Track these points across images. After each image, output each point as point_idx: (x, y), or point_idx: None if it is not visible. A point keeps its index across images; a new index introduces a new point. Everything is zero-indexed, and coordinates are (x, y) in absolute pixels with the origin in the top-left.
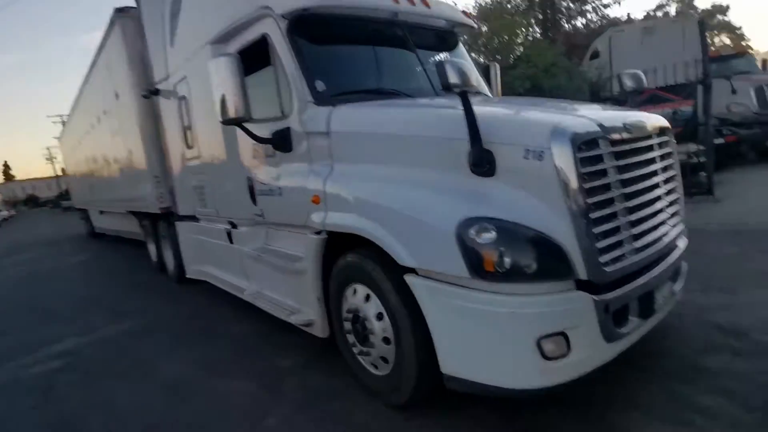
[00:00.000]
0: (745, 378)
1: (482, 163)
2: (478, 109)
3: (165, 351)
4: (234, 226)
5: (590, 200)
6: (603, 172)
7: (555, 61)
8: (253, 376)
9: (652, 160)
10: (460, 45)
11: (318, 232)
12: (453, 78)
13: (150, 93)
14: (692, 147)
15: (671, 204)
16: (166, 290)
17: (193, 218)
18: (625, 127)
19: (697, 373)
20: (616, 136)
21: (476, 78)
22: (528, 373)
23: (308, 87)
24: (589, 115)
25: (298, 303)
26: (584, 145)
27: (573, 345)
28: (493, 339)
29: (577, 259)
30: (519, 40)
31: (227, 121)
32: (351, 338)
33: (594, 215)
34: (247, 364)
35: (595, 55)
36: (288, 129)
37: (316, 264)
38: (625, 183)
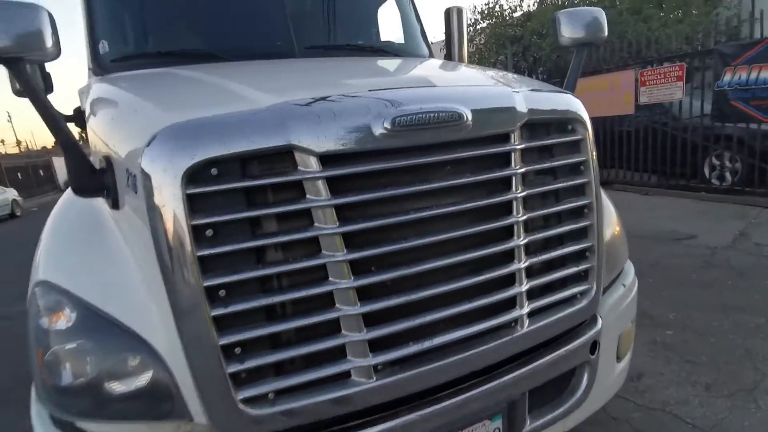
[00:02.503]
0: None
1: (82, 184)
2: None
3: None
4: None
5: (218, 280)
6: (290, 218)
7: None
8: None
9: (495, 184)
10: None
11: None
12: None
13: None
14: None
15: (548, 266)
16: None
17: None
18: (390, 125)
19: None
20: (336, 145)
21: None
22: None
23: (90, 48)
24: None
25: None
26: (221, 166)
27: None
28: None
29: (188, 389)
30: None
31: (18, 93)
32: None
33: (222, 311)
34: None
35: None
36: None
37: None
38: (359, 238)
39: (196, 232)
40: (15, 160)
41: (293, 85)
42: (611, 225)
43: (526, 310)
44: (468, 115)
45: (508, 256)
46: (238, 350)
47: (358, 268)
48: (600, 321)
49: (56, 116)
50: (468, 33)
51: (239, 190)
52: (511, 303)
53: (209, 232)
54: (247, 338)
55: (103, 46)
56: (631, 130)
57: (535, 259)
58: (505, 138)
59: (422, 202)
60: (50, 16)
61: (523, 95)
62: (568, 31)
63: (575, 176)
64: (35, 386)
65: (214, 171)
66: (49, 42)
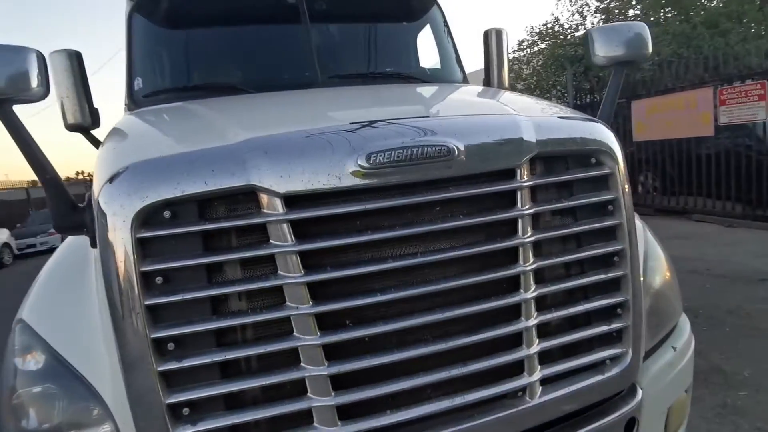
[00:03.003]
0: None
1: (61, 221)
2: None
3: None
4: None
5: (166, 332)
6: (251, 265)
7: (726, 11)
8: None
9: (497, 228)
10: (435, 10)
11: None
12: None
13: None
14: None
15: (568, 324)
16: None
17: None
18: (365, 162)
19: None
20: (302, 185)
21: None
22: None
23: (127, 86)
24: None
25: None
26: (175, 208)
27: None
28: None
29: None
30: None
31: (69, 127)
32: None
33: (170, 366)
34: None
35: None
36: None
37: None
38: (329, 289)
39: (146, 278)
40: None
41: (279, 119)
42: (659, 273)
43: (536, 376)
44: (459, 150)
45: (513, 312)
46: (186, 411)
47: (328, 322)
48: (640, 393)
49: (38, 154)
50: (525, 55)
51: (195, 235)
52: (517, 367)
53: (159, 280)
54: (198, 398)
55: (138, 83)
56: (711, 154)
57: (549, 316)
58: (508, 174)
59: (405, 248)
60: (40, 57)
61: (533, 124)
62: (603, 50)
63: (602, 217)
64: (2, 425)
65: (167, 214)
66: (34, 83)
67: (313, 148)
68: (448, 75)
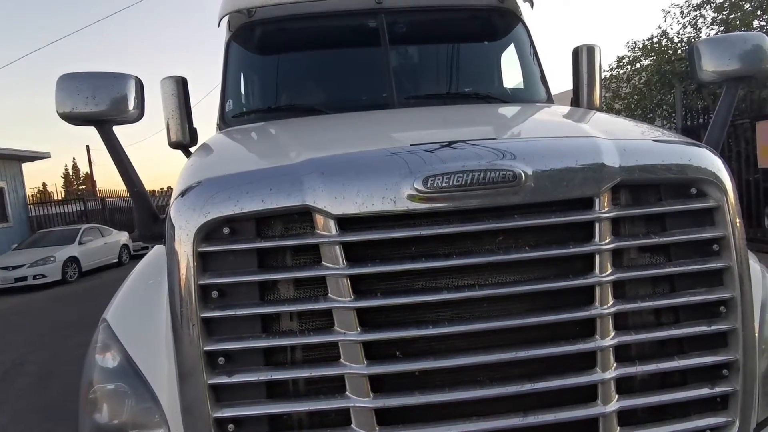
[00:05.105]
0: None
1: (144, 231)
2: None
3: None
4: None
5: (218, 345)
6: (302, 286)
7: None
8: None
9: (570, 263)
10: (519, 28)
11: None
12: (61, 106)
13: None
14: None
15: (657, 382)
16: None
17: None
18: (422, 186)
19: None
20: (355, 207)
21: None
22: None
23: (220, 107)
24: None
25: None
26: (234, 225)
27: None
28: None
29: None
30: None
31: (172, 145)
32: None
33: (219, 380)
34: None
35: None
36: None
37: None
38: (380, 316)
39: (203, 291)
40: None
41: (342, 140)
42: None
43: None
44: (526, 175)
45: (586, 360)
46: (231, 427)
47: (376, 351)
48: None
49: (129, 170)
50: (625, 72)
51: (251, 252)
52: (590, 426)
53: (215, 294)
54: (244, 415)
55: (229, 105)
56: None
57: (630, 369)
58: (585, 203)
59: (463, 279)
60: (138, 83)
61: (617, 148)
62: (712, 64)
63: (704, 258)
64: (79, 414)
65: (226, 230)
66: (131, 105)
67: (369, 169)
68: (530, 95)
